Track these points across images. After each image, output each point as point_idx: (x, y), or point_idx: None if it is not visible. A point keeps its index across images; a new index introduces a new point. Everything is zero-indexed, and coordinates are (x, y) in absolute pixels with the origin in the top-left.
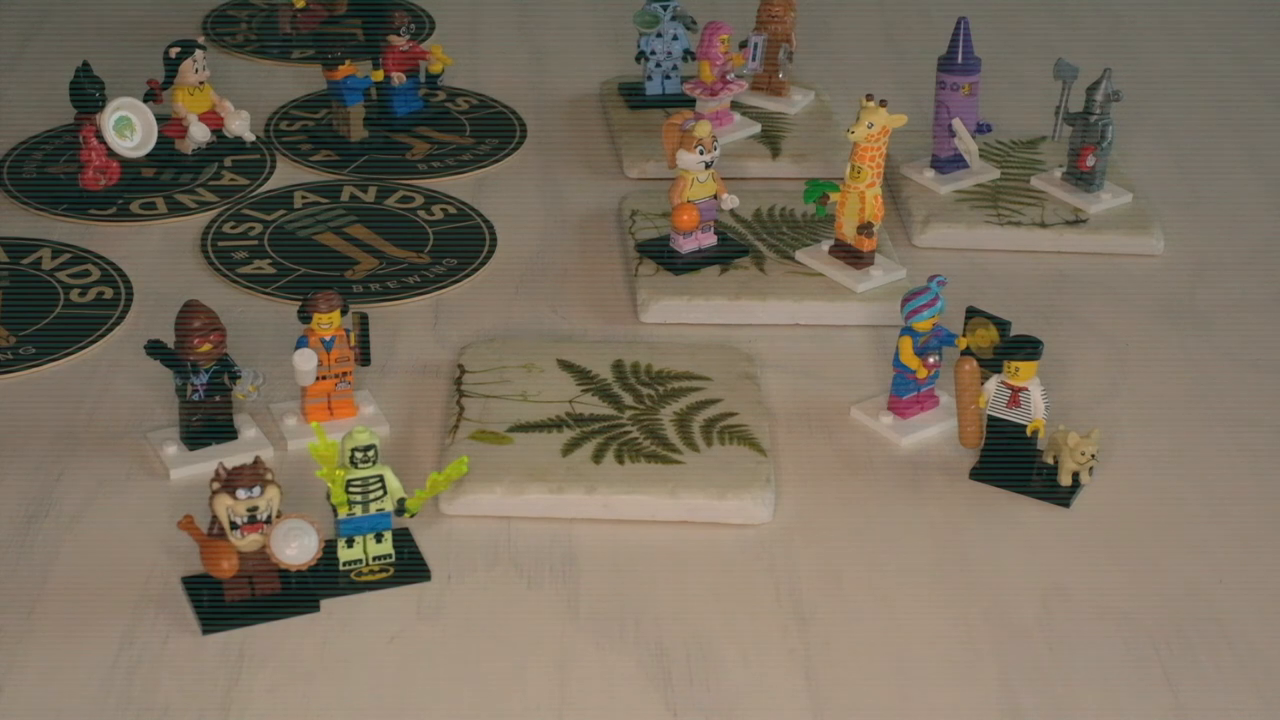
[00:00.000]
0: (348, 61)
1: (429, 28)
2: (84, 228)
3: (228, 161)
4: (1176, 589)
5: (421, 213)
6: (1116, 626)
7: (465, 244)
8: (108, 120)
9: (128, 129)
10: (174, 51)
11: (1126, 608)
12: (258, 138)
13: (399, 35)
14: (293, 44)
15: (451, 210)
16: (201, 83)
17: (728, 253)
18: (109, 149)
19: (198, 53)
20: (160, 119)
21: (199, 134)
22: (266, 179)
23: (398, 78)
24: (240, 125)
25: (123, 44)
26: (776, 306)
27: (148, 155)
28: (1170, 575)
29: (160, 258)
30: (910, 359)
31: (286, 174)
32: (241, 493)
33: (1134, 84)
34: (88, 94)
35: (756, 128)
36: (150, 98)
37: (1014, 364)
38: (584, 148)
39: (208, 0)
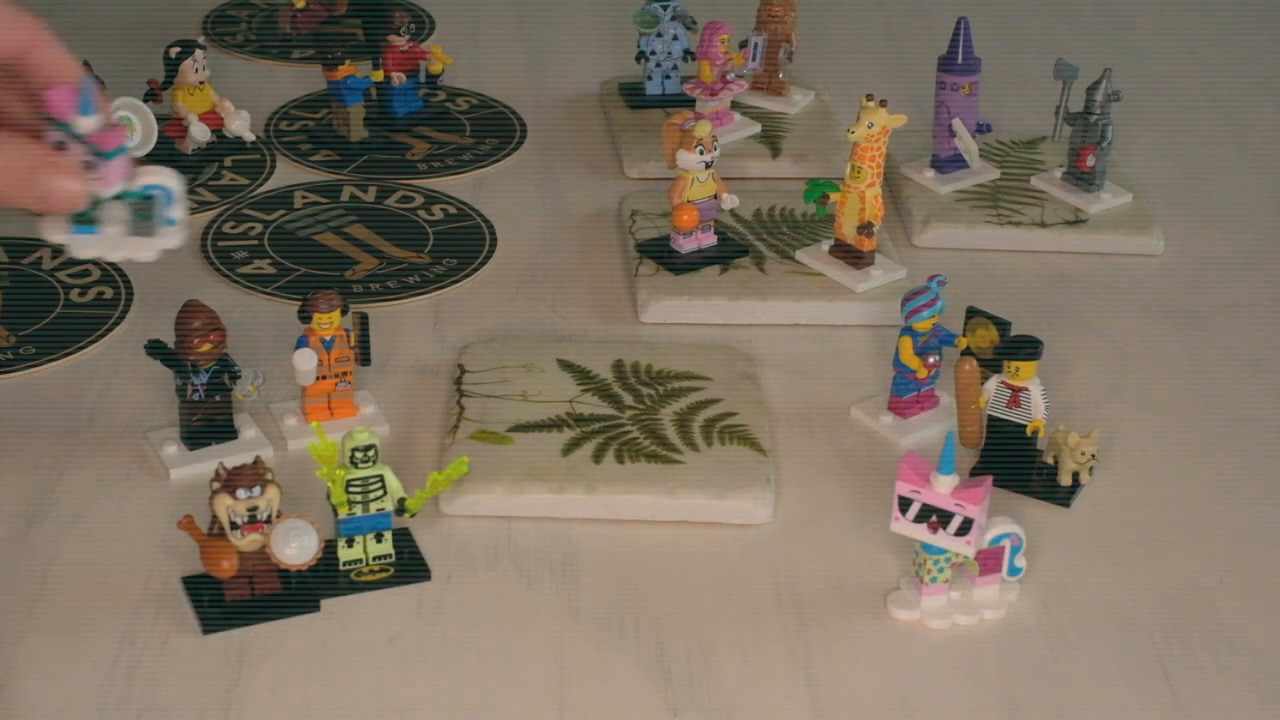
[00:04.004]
0: (348, 61)
1: (429, 28)
2: None
3: (228, 161)
4: (1176, 589)
5: (421, 213)
6: (1116, 626)
7: (465, 244)
8: None
9: (128, 129)
10: (174, 51)
11: (1126, 608)
12: (258, 138)
13: (399, 35)
14: (293, 44)
15: (451, 210)
16: (201, 82)
17: (728, 253)
18: None
19: (198, 52)
20: (161, 119)
21: (199, 134)
22: (266, 179)
23: (398, 78)
24: (240, 125)
25: (123, 44)
26: (776, 306)
27: (148, 155)
28: (1170, 575)
29: (160, 258)
30: (910, 359)
31: (286, 174)
32: (241, 493)
33: (1134, 84)
34: None
35: (756, 128)
36: (150, 97)
37: (1014, 364)
38: (584, 148)
39: (208, 0)
